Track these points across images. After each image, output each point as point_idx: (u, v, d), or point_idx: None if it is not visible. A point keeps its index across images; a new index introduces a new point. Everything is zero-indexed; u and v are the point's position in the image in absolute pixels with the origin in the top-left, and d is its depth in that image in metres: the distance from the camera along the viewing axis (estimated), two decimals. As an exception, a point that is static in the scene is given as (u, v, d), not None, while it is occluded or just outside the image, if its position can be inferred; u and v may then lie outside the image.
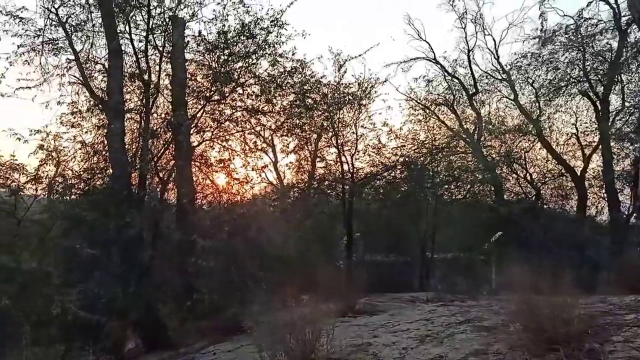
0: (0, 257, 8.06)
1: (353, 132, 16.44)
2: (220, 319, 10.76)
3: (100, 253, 9.11)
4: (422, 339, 7.26)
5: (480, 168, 18.53)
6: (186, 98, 12.69)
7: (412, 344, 7.14)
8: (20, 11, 11.00)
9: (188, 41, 12.81)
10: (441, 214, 18.26)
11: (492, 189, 19.55)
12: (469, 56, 20.17)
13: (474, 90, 20.48)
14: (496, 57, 20.28)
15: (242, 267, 12.10)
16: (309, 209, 17.37)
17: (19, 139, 9.76)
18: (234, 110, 12.56)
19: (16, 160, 9.01)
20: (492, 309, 8.89)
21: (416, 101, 20.71)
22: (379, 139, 16.76)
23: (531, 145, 20.38)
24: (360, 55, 15.77)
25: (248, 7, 11.88)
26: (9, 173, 8.77)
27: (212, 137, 12.50)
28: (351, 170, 16.59)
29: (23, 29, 11.18)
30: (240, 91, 12.53)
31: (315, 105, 14.27)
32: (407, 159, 16.86)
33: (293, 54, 13.07)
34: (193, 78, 12.77)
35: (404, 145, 17.37)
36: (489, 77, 20.78)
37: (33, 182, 9.19)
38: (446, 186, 18.56)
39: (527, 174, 20.31)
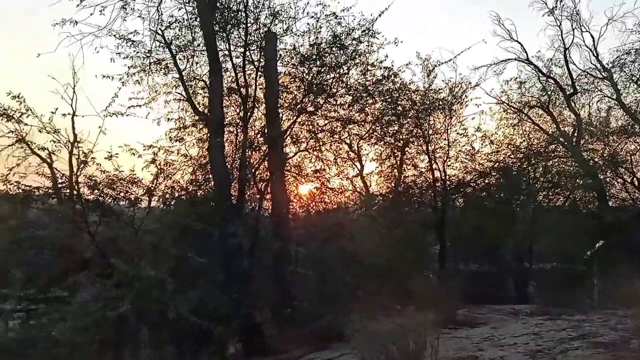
0: (121, 265, 8.69)
1: (444, 138, 16.12)
2: (318, 327, 10.91)
3: (207, 261, 9.58)
4: (532, 355, 6.98)
5: (580, 173, 17.49)
6: (279, 110, 13.09)
7: (522, 359, 6.89)
8: (132, 35, 11.84)
9: (281, 54, 13.23)
10: (539, 222, 17.43)
11: (595, 194, 18.36)
12: (565, 55, 19.11)
13: (572, 91, 19.37)
14: (595, 54, 19.07)
15: (337, 276, 12.25)
16: (399, 217, 17.24)
17: (133, 154, 10.53)
18: (327, 121, 12.76)
19: (135, 174, 9.73)
20: (608, 323, 8.38)
21: (507, 104, 19.94)
22: (471, 144, 16.32)
23: (638, 147, 18.95)
24: (450, 60, 15.49)
25: (340, 18, 12.02)
26: (129, 186, 9.48)
27: (307, 147, 12.76)
28: (443, 177, 16.27)
29: (135, 51, 12.02)
30: (333, 101, 12.71)
31: (405, 112, 14.18)
32: (502, 165, 16.26)
33: (381, 62, 13.13)
34: (286, 90, 13.13)
35: (499, 151, 16.77)
36: (587, 76, 19.57)
37: (148, 194, 9.88)
38: (544, 193, 17.67)
39: (635, 179, 18.89)
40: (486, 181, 16.70)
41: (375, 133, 13.68)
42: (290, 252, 12.57)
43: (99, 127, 9.32)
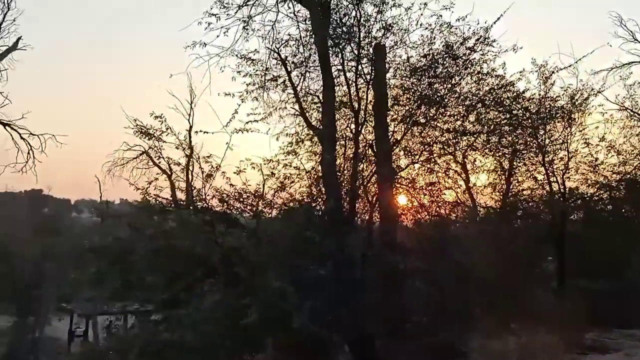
0: (247, 275, 9.13)
1: (564, 149, 15.22)
2: (431, 341, 10.75)
3: (324, 272, 9.78)
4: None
5: None
6: (389, 122, 13.12)
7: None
8: (253, 54, 12.51)
9: (389, 66, 13.28)
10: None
11: None
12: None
13: None
14: None
15: (452, 290, 11.98)
16: (512, 231, 16.54)
17: (254, 167, 11.06)
18: (440, 133, 12.59)
19: (260, 188, 10.22)
20: None
21: (631, 110, 18.38)
22: (594, 155, 15.25)
23: None
24: (570, 66, 14.64)
25: (455, 28, 11.86)
26: (254, 199, 9.98)
27: (419, 160, 12.67)
28: (562, 190, 15.35)
29: (254, 69, 12.68)
30: (445, 112, 12.53)
31: (522, 122, 13.61)
32: (630, 178, 15.03)
33: (493, 70, 12.75)
34: (397, 102, 13.14)
35: (626, 162, 15.53)
36: None
37: (269, 207, 10.33)
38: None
39: None
40: (612, 194, 15.50)
41: (489, 144, 13.22)
42: (400, 265, 12.48)
43: (227, 143, 9.89)
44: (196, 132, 10.48)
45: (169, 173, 20.93)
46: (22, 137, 19.59)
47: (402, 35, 12.49)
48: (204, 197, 9.80)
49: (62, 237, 37.51)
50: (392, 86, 13.29)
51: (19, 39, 19.27)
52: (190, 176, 18.63)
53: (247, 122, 12.65)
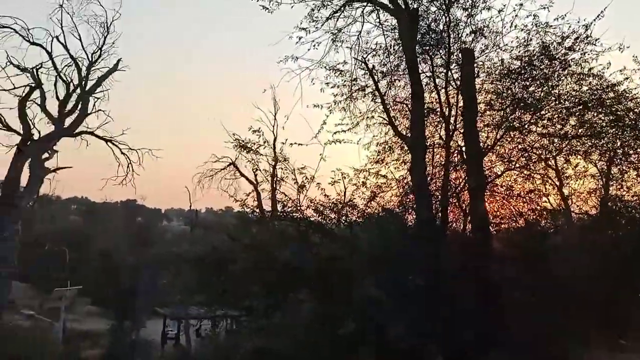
0: (342, 284, 9.15)
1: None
2: (532, 356, 10.24)
3: (418, 282, 9.61)
4: None
5: None
6: (479, 127, 12.72)
7: None
8: (342, 65, 12.63)
9: (479, 71, 12.90)
10: None
11: None
12: None
13: None
14: None
15: (552, 302, 11.35)
16: (616, 239, 15.38)
17: (344, 177, 11.15)
18: (538, 137, 12.03)
19: (353, 198, 10.28)
20: None
21: None
22: None
23: None
24: (681, 61, 13.40)
25: (555, 28, 11.31)
26: (347, 209, 10.03)
27: (515, 166, 12.16)
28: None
29: (342, 80, 12.79)
30: (543, 116, 11.95)
31: (627, 123, 12.68)
32: None
33: (589, 70, 11.98)
34: (489, 107, 12.72)
35: None
36: None
37: (362, 217, 10.32)
38: None
39: None
40: None
41: (592, 147, 12.44)
42: (497, 275, 12.01)
43: (320, 154, 10.02)
44: (291, 144, 10.64)
45: (255, 183, 21.63)
46: (122, 152, 20.97)
47: (494, 38, 12.09)
48: (298, 207, 9.95)
49: (154, 245, 39.60)
50: (482, 91, 12.91)
51: (119, 60, 20.75)
52: (275, 186, 19.13)
53: (334, 133, 12.82)
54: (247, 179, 22.47)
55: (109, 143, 20.76)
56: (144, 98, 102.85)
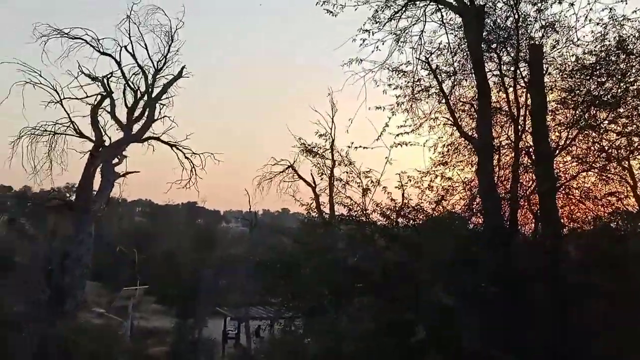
0: (409, 290, 8.98)
1: None
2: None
3: (490, 289, 9.28)
4: None
5: None
6: (550, 127, 12.19)
7: None
8: (405, 65, 12.47)
9: (547, 67, 12.37)
10: None
11: None
12: None
13: None
14: None
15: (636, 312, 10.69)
16: None
17: (410, 180, 10.94)
18: (615, 136, 11.39)
19: (422, 202, 10.09)
20: None
21: None
22: None
23: None
24: None
25: (633, 21, 10.70)
26: (414, 214, 9.86)
27: (592, 167, 11.56)
28: None
29: (405, 81, 12.61)
30: (621, 113, 11.30)
31: None
32: None
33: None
34: (562, 105, 12.16)
35: None
36: None
37: (429, 221, 10.11)
38: None
39: None
40: None
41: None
42: (573, 282, 11.45)
43: (386, 157, 9.90)
44: (355, 147, 10.57)
45: (314, 186, 21.76)
46: (186, 157, 21.61)
47: (566, 33, 11.55)
48: (364, 211, 9.86)
49: (215, 246, 40.59)
50: (554, 88, 12.36)
51: (183, 67, 21.45)
52: (333, 188, 19.14)
53: (397, 135, 12.62)
54: (305, 181, 22.73)
55: (173, 148, 21.48)
56: (206, 101, 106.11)
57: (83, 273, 19.18)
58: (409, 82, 12.66)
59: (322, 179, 17.56)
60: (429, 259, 9.60)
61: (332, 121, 20.90)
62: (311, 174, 22.01)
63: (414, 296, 9.01)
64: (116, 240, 30.76)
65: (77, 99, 20.44)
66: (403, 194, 11.06)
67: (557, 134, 12.11)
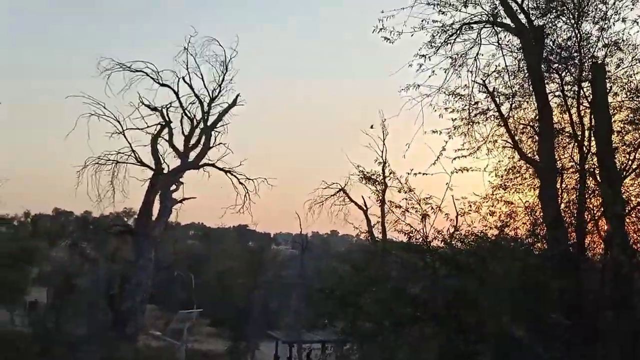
0: (472, 319, 8.71)
1: None
2: None
3: (562, 318, 8.87)
4: None
5: None
6: (616, 148, 11.69)
7: None
8: (463, 89, 12.37)
9: (611, 86, 11.93)
10: None
11: None
12: None
13: None
14: None
15: None
16: None
17: (470, 205, 10.71)
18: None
19: (484, 228, 9.85)
20: None
21: None
22: None
23: None
24: None
25: None
26: (476, 240, 9.62)
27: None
28: None
29: (462, 104, 12.46)
30: None
31: None
32: None
33: None
34: (627, 125, 11.68)
35: None
36: None
37: (493, 248, 9.81)
38: None
39: None
40: None
41: None
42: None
43: (446, 183, 9.74)
44: (415, 174, 10.44)
45: (365, 209, 21.64)
46: (240, 182, 22.00)
47: (631, 51, 11.15)
48: (424, 238, 9.68)
49: (266, 268, 40.85)
50: (619, 108, 11.89)
51: (237, 95, 22.02)
52: (384, 212, 19.00)
53: (454, 158, 12.41)
54: (356, 204, 22.61)
55: (228, 174, 21.91)
56: (257, 125, 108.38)
57: (143, 298, 19.69)
58: (465, 105, 12.49)
59: (380, 206, 17.31)
60: (494, 287, 9.31)
61: (384, 144, 20.91)
62: (362, 197, 21.92)
63: (480, 326, 8.73)
64: (170, 263, 31.50)
65: (138, 129, 21.37)
66: (455, 217, 10.84)
67: (625, 155, 11.61)
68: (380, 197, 19.45)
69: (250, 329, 34.09)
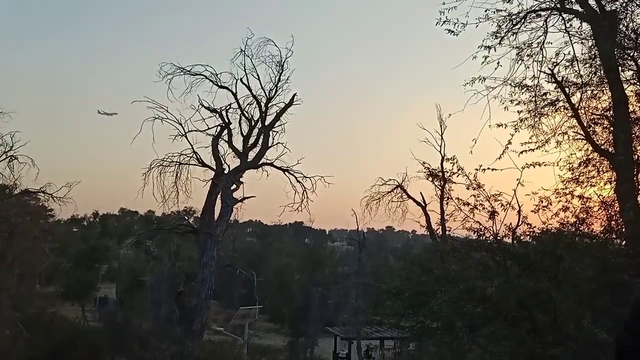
0: (545, 321, 8.36)
1: None
2: None
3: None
4: None
5: None
6: None
7: None
8: (531, 80, 11.93)
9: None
10: None
11: None
12: None
13: None
14: None
15: None
16: None
17: (542, 201, 10.27)
18: None
19: (557, 225, 9.47)
20: None
21: None
22: None
23: None
24: None
25: None
26: (550, 238, 9.25)
27: None
28: None
29: (529, 95, 11.99)
30: None
31: None
32: None
33: None
34: None
35: None
36: None
37: (569, 246, 9.39)
38: None
39: None
40: None
41: None
42: None
43: (517, 179, 9.36)
44: (483, 170, 10.10)
45: (424, 205, 21.28)
46: (297, 180, 22.17)
47: None
48: (495, 236, 9.37)
49: (323, 265, 41.04)
50: None
51: (294, 95, 22.15)
52: (443, 209, 18.63)
53: (521, 152, 11.97)
54: (415, 200, 22.27)
55: (286, 173, 22.12)
56: (313, 121, 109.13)
57: (208, 295, 20.18)
58: (532, 96, 12.00)
59: (447, 204, 16.97)
60: (572, 287, 8.92)
61: (442, 138, 20.53)
62: (420, 193, 21.59)
63: (556, 328, 8.38)
64: (231, 260, 32.20)
65: (199, 131, 21.85)
66: (526, 214, 10.40)
67: None
68: (440, 193, 19.17)
69: (308, 325, 34.39)
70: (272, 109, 22.30)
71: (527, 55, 11.68)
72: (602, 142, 11.75)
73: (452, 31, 11.45)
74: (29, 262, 21.19)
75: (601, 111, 11.80)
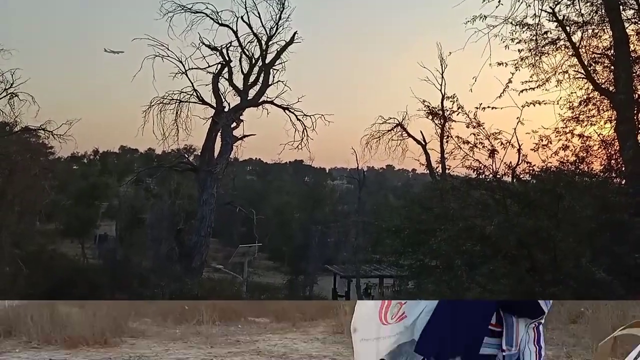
0: (545, 259, 8.45)
1: None
2: None
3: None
4: None
5: None
6: None
7: None
8: (532, 18, 11.64)
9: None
10: None
11: None
12: None
13: None
14: None
15: None
16: None
17: (542, 140, 10.26)
18: None
19: (557, 163, 9.43)
20: None
21: None
22: None
23: None
24: None
25: None
26: (550, 176, 9.23)
27: None
28: None
29: (530, 34, 11.75)
30: None
31: None
32: None
33: None
34: None
35: None
36: None
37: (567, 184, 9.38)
38: None
39: None
40: None
41: None
42: None
43: (517, 117, 9.26)
44: (483, 108, 9.97)
45: (424, 144, 21.23)
46: (298, 118, 22.02)
47: None
48: (494, 174, 9.35)
49: (323, 203, 41.38)
50: None
51: (294, 33, 21.68)
52: (443, 147, 18.60)
53: (521, 91, 11.85)
54: (415, 139, 22.19)
55: (286, 111, 21.94)
56: (312, 59, 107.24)
57: (207, 232, 20.47)
58: (533, 35, 11.74)
59: (447, 143, 16.97)
60: (571, 226, 8.97)
61: (442, 77, 20.26)
62: (421, 132, 21.49)
63: (555, 267, 8.49)
64: (230, 198, 32.34)
65: (199, 68, 21.64)
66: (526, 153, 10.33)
67: None
68: (440, 132, 19.09)
69: (308, 263, 35.08)
70: (272, 47, 21.96)
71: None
72: (603, 81, 11.70)
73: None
74: (29, 199, 21.29)
75: (602, 50, 11.68)
